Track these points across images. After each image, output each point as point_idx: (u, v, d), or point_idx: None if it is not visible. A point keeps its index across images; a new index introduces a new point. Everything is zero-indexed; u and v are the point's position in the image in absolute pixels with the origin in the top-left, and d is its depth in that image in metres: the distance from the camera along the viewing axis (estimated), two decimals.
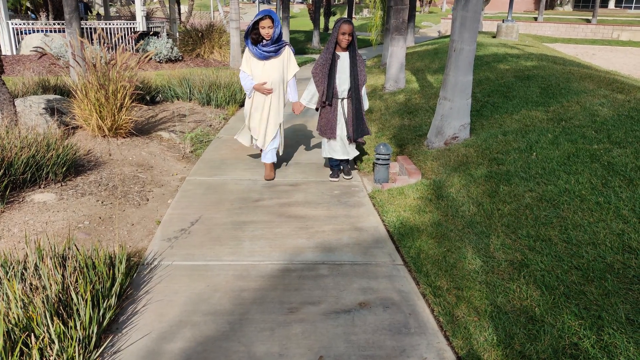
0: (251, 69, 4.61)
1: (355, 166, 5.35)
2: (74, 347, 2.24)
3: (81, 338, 2.32)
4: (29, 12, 19.99)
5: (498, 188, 3.74)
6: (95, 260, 2.84)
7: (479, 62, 8.20)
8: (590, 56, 18.77)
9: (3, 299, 2.40)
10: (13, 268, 2.68)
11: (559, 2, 33.41)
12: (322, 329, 2.59)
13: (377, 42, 16.36)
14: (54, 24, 13.72)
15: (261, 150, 4.98)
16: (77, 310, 2.43)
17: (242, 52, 4.88)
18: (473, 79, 5.17)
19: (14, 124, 4.88)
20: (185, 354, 2.39)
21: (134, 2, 15.45)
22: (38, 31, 13.10)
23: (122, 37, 13.23)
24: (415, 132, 5.88)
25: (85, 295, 2.47)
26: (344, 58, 4.53)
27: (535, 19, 26.02)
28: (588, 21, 25.08)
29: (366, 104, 4.84)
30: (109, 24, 13.68)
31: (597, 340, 2.20)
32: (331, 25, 32.23)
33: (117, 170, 4.73)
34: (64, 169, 4.29)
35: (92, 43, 6.03)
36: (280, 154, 5.12)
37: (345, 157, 4.82)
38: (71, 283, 2.56)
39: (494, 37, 14.51)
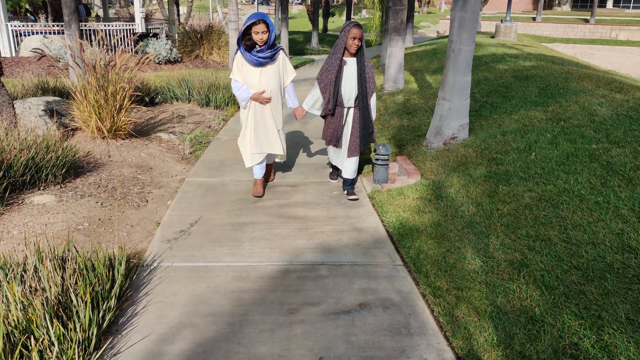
0: (244, 77, 4.22)
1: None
2: (74, 349, 2.24)
3: (81, 340, 2.32)
4: (28, 14, 19.98)
5: (497, 188, 3.74)
6: (94, 262, 2.84)
7: (478, 63, 8.21)
8: (588, 56, 18.79)
9: (3, 301, 2.40)
10: (12, 270, 2.68)
11: (557, 2, 33.45)
12: (322, 330, 2.59)
13: (376, 42, 16.38)
14: (53, 25, 13.72)
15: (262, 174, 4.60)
16: (77, 312, 2.43)
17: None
18: (472, 79, 5.18)
19: (14, 125, 4.88)
20: (185, 355, 2.38)
21: (133, 4, 15.46)
22: (37, 33, 13.10)
23: (121, 38, 13.23)
24: (414, 133, 5.88)
25: (85, 297, 2.47)
26: (350, 64, 4.23)
27: (534, 19, 26.06)
28: (586, 21, 25.12)
29: (374, 114, 4.49)
30: (108, 25, 13.68)
31: (597, 340, 2.20)
32: (330, 26, 32.27)
33: (116, 171, 4.73)
34: (64, 170, 4.28)
35: (92, 45, 6.04)
36: (284, 160, 4.98)
37: (347, 177, 4.49)
38: (71, 285, 2.56)
39: (492, 37, 14.52)
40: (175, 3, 20.93)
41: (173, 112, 7.54)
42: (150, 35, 13.57)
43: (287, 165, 5.41)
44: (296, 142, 6.36)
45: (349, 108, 4.36)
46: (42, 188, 4.13)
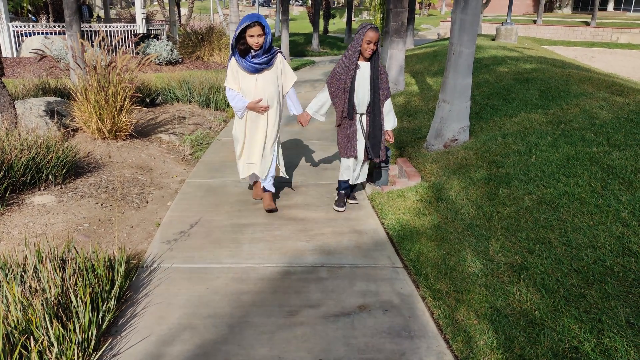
0: (239, 85, 3.90)
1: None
2: (73, 349, 2.23)
3: (80, 341, 2.31)
4: (30, 15, 20.01)
5: (497, 191, 3.74)
6: (94, 262, 2.84)
7: (478, 65, 8.22)
8: (589, 59, 18.81)
9: (2, 302, 2.40)
10: (12, 270, 2.68)
11: (558, 4, 33.49)
12: (321, 332, 2.59)
13: None
14: (55, 26, 13.74)
15: (254, 182, 4.43)
16: (77, 312, 2.43)
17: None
18: (472, 82, 5.18)
19: (14, 126, 4.89)
20: (184, 357, 2.38)
21: (134, 5, 15.48)
22: (38, 33, 13.11)
23: (122, 39, 13.25)
24: (414, 135, 5.88)
25: (85, 297, 2.47)
26: (364, 68, 3.93)
27: (535, 21, 26.08)
28: (587, 24, 25.14)
29: (393, 121, 4.19)
30: (109, 26, 13.70)
31: (597, 344, 2.20)
32: (330, 28, 32.29)
33: (116, 172, 4.73)
34: (64, 171, 4.29)
35: (93, 45, 6.04)
36: (286, 176, 4.49)
37: (354, 182, 4.30)
38: (70, 286, 2.56)
39: (493, 39, 14.53)
40: (176, 4, 20.95)
41: (174, 113, 7.55)
42: (151, 36, 13.59)
43: (287, 167, 5.41)
44: (296, 144, 6.36)
45: (361, 114, 4.07)
46: (42, 188, 4.13)
